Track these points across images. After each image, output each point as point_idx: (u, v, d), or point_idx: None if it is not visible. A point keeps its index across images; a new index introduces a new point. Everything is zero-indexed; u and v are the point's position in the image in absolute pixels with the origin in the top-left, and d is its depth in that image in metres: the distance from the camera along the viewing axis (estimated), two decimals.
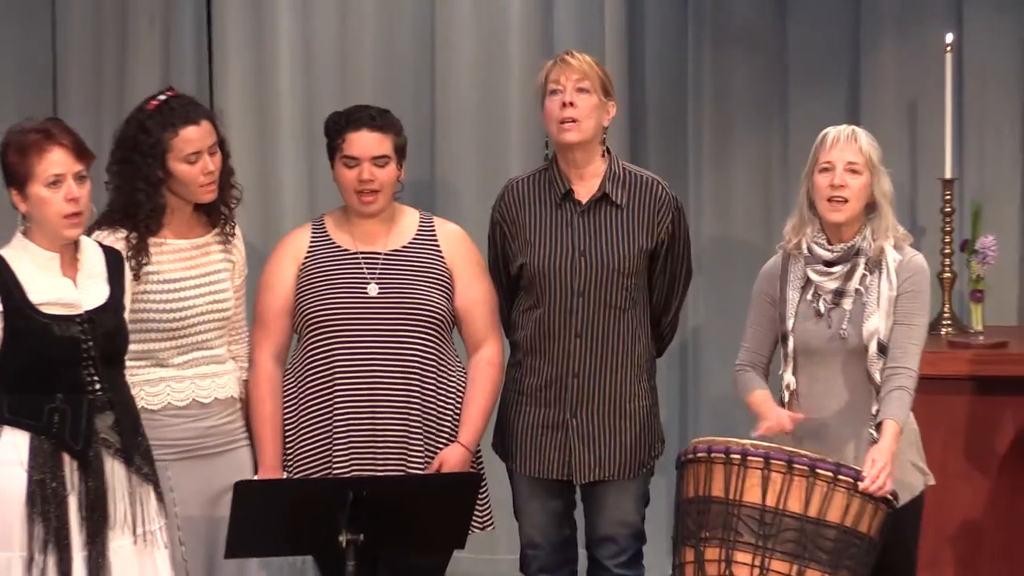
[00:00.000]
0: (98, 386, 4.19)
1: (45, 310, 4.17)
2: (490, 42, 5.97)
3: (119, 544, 4.22)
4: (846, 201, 4.50)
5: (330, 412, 4.68)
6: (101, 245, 4.35)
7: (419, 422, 4.68)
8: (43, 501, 4.13)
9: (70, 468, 4.16)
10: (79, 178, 4.17)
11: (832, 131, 4.56)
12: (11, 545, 4.13)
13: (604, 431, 4.83)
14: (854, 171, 4.51)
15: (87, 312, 4.20)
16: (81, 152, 4.18)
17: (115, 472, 4.21)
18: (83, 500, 4.17)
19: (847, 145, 4.52)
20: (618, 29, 5.92)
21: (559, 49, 5.20)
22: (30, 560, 4.12)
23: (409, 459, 4.68)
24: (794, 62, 5.94)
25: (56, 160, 4.14)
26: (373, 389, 4.66)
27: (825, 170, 4.53)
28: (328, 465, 4.67)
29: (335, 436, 4.67)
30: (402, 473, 4.62)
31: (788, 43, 5.93)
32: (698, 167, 6.00)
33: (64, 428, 4.16)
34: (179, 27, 6.05)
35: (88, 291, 4.23)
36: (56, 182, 4.14)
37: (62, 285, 4.21)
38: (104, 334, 4.20)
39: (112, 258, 4.33)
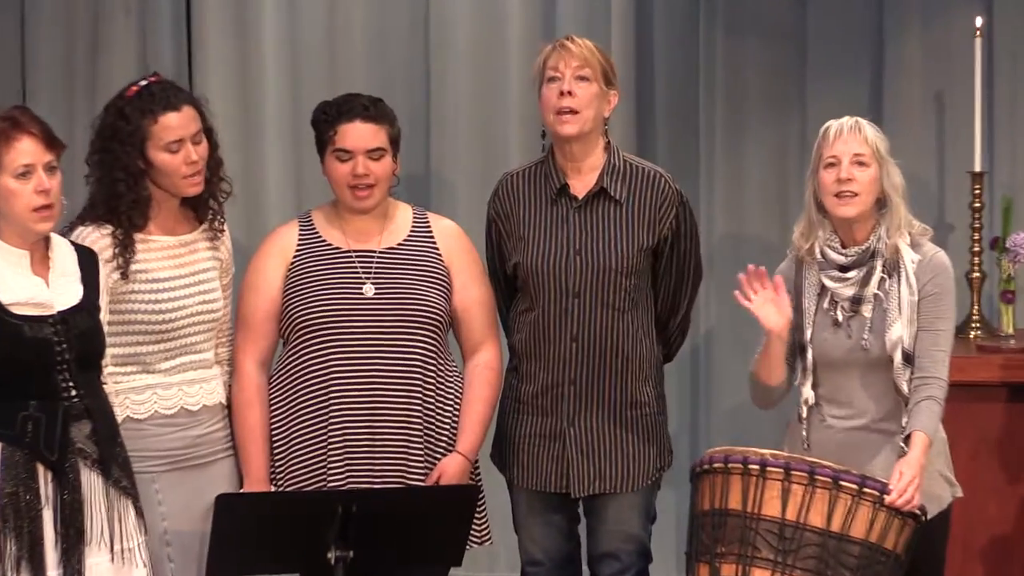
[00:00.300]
0: (74, 392, 4.12)
1: (15, 311, 4.09)
2: (488, 29, 5.94)
3: (95, 561, 4.15)
4: (855, 195, 4.44)
5: (325, 422, 4.60)
6: (74, 244, 4.28)
7: (420, 430, 4.61)
8: (16, 515, 4.06)
9: (44, 480, 4.10)
10: (49, 169, 4.11)
11: (834, 124, 4.50)
12: None
13: (604, 441, 4.75)
14: (861, 163, 4.45)
15: (60, 312, 4.13)
16: (51, 141, 4.12)
17: (92, 484, 4.15)
18: (58, 514, 4.10)
19: (851, 137, 4.46)
20: (625, 15, 5.87)
21: (561, 36, 5.08)
22: None
23: (409, 470, 4.60)
24: (813, 51, 5.89)
25: (25, 150, 4.08)
26: (372, 396, 4.58)
27: (831, 165, 4.47)
28: (323, 478, 4.60)
29: (330, 448, 4.59)
30: (401, 485, 4.56)
31: (807, 31, 5.89)
32: (710, 163, 5.96)
33: (38, 437, 4.08)
34: (156, 13, 6.01)
35: (61, 290, 4.16)
36: (25, 173, 4.08)
37: (33, 284, 4.13)
38: (79, 335, 4.13)
39: (85, 258, 4.26)
